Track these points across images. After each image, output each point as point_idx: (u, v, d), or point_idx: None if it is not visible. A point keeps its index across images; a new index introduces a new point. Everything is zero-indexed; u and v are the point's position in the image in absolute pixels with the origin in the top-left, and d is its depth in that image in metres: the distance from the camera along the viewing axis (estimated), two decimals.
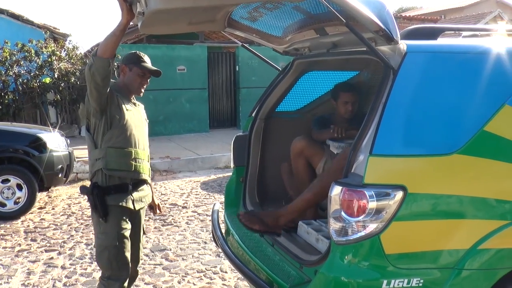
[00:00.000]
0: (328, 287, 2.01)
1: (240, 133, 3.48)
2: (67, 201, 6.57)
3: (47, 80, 10.64)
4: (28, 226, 5.51)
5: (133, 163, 2.81)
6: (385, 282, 1.93)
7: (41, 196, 6.62)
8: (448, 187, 2.03)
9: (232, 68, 12.97)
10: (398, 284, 1.94)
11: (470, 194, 2.06)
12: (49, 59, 10.55)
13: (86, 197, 2.91)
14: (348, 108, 3.35)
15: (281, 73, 3.32)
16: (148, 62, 2.90)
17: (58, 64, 10.65)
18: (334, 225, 2.00)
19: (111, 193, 2.77)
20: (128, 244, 2.83)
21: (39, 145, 5.98)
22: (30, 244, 4.88)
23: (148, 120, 3.13)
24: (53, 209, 6.22)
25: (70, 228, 5.41)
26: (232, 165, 3.47)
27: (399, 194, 1.93)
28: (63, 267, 4.30)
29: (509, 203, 2.11)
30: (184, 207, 6.16)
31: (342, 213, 1.96)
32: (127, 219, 2.84)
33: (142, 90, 2.94)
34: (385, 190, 1.93)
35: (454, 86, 2.18)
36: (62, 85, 10.61)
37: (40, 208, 6.25)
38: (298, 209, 2.88)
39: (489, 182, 2.11)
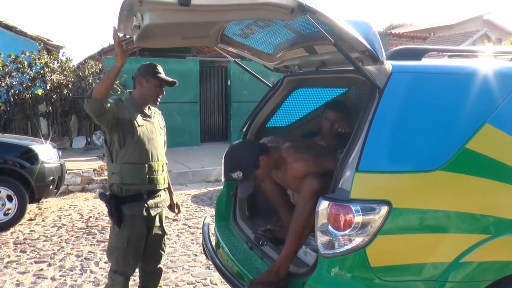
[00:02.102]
0: None
1: None
2: (57, 213, 6.56)
3: (39, 91, 10.65)
4: (18, 237, 5.49)
5: (148, 176, 2.99)
6: None
7: (31, 208, 6.59)
8: (431, 202, 2.11)
9: (224, 82, 13.08)
10: None
11: (453, 209, 2.14)
12: (42, 71, 10.57)
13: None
14: (326, 125, 3.36)
15: (272, 89, 3.40)
16: (163, 73, 3.04)
17: (51, 76, 10.68)
18: (321, 239, 2.06)
19: (126, 202, 2.95)
20: (138, 246, 3.05)
21: (31, 156, 5.99)
22: (20, 256, 4.87)
23: (165, 127, 3.29)
24: (43, 220, 6.20)
25: (61, 239, 5.40)
26: (222, 179, 3.53)
27: (384, 209, 2.00)
28: (53, 279, 4.30)
29: (490, 218, 2.19)
30: (174, 220, 6.18)
31: (329, 227, 2.03)
32: (142, 225, 3.03)
33: (159, 99, 3.09)
34: (370, 205, 2.00)
35: (437, 105, 2.27)
36: (54, 97, 10.62)
37: (30, 219, 6.23)
38: (290, 257, 2.58)
39: (471, 197, 2.19)
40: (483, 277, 2.14)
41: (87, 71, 11.09)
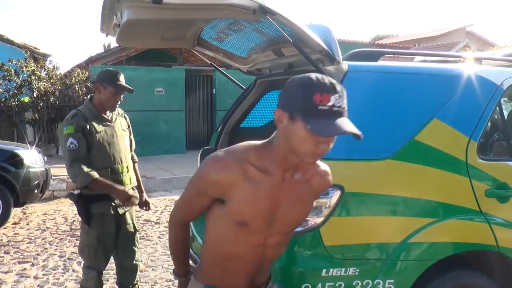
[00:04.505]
0: (275, 275, 2.25)
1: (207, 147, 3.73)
2: (42, 217, 6.66)
3: (26, 99, 10.75)
4: (1, 240, 5.60)
5: (112, 179, 3.09)
6: (324, 270, 2.19)
7: (15, 212, 6.71)
8: (381, 187, 2.32)
9: (209, 91, 13.28)
10: (336, 273, 2.20)
11: (401, 195, 2.35)
12: (29, 79, 10.69)
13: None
14: None
15: (245, 91, 3.61)
16: (122, 81, 3.13)
17: (38, 84, 10.79)
18: None
19: (94, 202, 3.07)
20: (108, 243, 3.18)
21: (16, 161, 6.11)
22: (3, 257, 4.98)
23: (130, 128, 3.40)
24: (27, 224, 6.31)
25: (44, 241, 5.52)
26: None
27: (337, 193, 2.20)
28: (35, 277, 4.43)
29: (435, 203, 2.40)
30: (157, 223, 6.33)
31: None
32: (111, 223, 3.16)
33: (117, 106, 3.19)
34: None
35: (390, 101, 2.49)
36: (41, 104, 10.73)
37: (15, 223, 6.34)
38: None
39: (418, 184, 2.40)
40: (429, 257, 2.35)
41: (73, 79, 11.20)
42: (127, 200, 3.05)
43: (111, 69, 3.20)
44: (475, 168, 2.52)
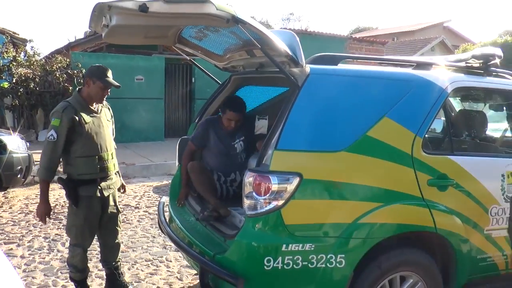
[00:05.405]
0: (242, 250, 2.62)
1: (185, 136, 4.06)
2: (24, 201, 6.88)
3: (5, 84, 10.79)
4: None
5: (99, 166, 3.45)
6: (284, 246, 2.55)
7: None
8: (335, 175, 2.68)
9: (189, 80, 13.48)
10: (294, 248, 2.56)
11: (353, 182, 2.72)
12: (10, 65, 10.72)
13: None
14: (231, 125, 3.70)
15: (221, 86, 3.93)
16: (110, 77, 3.45)
17: (17, 69, 10.84)
18: (247, 203, 2.61)
19: (82, 185, 3.41)
20: (94, 223, 3.52)
21: None
22: None
23: (113, 118, 3.72)
24: (10, 208, 6.52)
25: (28, 224, 5.76)
26: (177, 163, 4.03)
27: (296, 179, 2.56)
28: (22, 257, 4.69)
29: (382, 190, 2.78)
30: (136, 208, 6.62)
31: (254, 193, 2.58)
32: (97, 204, 3.50)
33: (104, 99, 3.52)
34: (285, 175, 2.55)
35: (346, 101, 2.84)
36: (21, 90, 10.78)
37: None
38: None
39: (368, 173, 2.77)
40: (376, 235, 2.72)
41: (54, 65, 11.27)
42: (41, 214, 3.37)
43: (100, 65, 3.49)
44: (419, 161, 2.91)
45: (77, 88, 3.55)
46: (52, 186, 4.13)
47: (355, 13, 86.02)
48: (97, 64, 3.52)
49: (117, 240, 3.76)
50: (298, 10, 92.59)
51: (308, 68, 2.79)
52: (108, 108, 3.70)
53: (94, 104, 3.49)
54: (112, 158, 3.58)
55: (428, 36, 27.66)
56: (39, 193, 3.44)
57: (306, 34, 14.73)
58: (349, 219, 2.68)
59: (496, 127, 4.53)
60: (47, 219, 3.43)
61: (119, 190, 3.87)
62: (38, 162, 3.45)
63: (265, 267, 2.54)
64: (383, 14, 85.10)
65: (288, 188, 2.54)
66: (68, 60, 11.60)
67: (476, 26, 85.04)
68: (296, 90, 2.74)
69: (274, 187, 2.52)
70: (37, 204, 3.46)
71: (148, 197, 7.38)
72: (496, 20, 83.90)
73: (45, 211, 3.36)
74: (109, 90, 3.47)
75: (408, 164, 2.88)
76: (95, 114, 3.47)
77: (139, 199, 7.19)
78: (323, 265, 2.61)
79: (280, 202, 2.54)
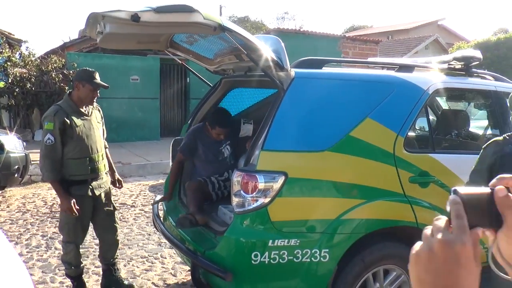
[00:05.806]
0: (230, 246, 2.76)
1: (178, 137, 4.19)
2: (21, 200, 6.98)
3: (1, 84, 10.87)
4: None
5: (90, 167, 3.58)
6: (270, 241, 2.69)
7: None
8: (319, 174, 2.82)
9: (183, 80, 13.63)
10: (280, 243, 2.70)
11: (336, 180, 2.86)
12: (5, 65, 10.81)
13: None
14: (221, 137, 3.84)
15: (212, 88, 4.07)
16: (98, 78, 3.58)
17: (13, 70, 10.92)
18: (235, 200, 2.75)
19: (74, 185, 3.53)
20: (85, 221, 3.65)
21: None
22: None
23: (103, 119, 3.84)
24: (8, 207, 6.62)
25: (26, 223, 5.88)
26: (170, 162, 4.17)
27: (282, 178, 2.69)
28: (20, 254, 4.78)
29: (365, 187, 2.92)
30: (132, 206, 6.75)
31: (241, 191, 2.72)
32: (89, 203, 3.62)
33: (94, 101, 3.65)
34: (271, 174, 2.69)
35: (329, 103, 2.98)
36: (16, 90, 10.87)
37: None
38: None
39: (350, 171, 2.91)
40: (359, 231, 2.86)
41: (50, 66, 11.36)
42: (67, 209, 3.46)
43: (87, 68, 3.63)
44: (401, 159, 3.05)
45: (68, 92, 3.68)
46: (48, 185, 4.29)
47: (349, 11, 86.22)
48: (83, 68, 3.66)
49: (116, 237, 3.89)
50: (293, 9, 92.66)
51: (293, 72, 2.93)
52: (99, 110, 3.83)
53: (85, 106, 3.61)
54: (103, 159, 3.71)
55: (422, 35, 27.77)
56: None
57: (299, 34, 14.86)
58: (333, 215, 2.81)
59: (479, 125, 4.68)
60: (74, 208, 3.47)
61: (115, 185, 4.00)
62: (37, 163, 3.58)
63: (252, 261, 2.68)
64: (378, 12, 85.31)
65: (274, 187, 2.68)
66: (63, 60, 11.68)
67: (470, 24, 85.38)
68: (282, 93, 2.87)
69: (261, 185, 2.66)
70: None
71: (144, 196, 7.50)
72: (490, 18, 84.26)
73: (67, 205, 3.44)
74: (98, 92, 3.60)
75: (390, 162, 3.01)
76: (86, 117, 3.60)
77: (135, 198, 7.31)
78: (308, 260, 2.75)
79: (267, 200, 2.68)
